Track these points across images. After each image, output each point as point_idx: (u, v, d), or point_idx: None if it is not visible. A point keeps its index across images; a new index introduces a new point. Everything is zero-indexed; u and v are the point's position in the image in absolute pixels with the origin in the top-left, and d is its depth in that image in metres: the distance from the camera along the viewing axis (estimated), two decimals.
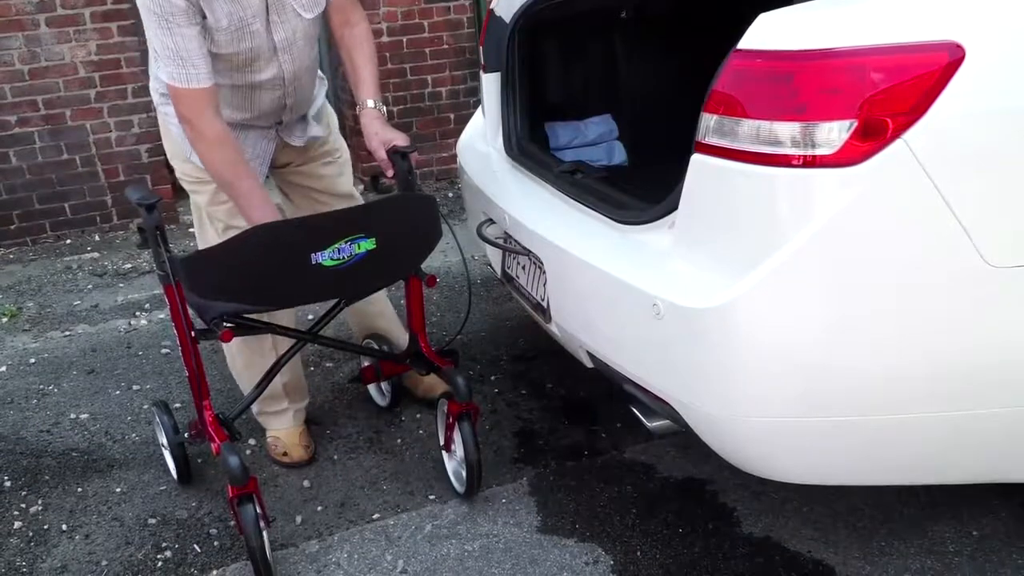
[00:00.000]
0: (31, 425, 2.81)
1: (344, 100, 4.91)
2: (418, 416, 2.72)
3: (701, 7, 2.75)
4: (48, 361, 3.24)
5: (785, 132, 1.50)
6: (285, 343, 2.35)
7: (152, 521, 2.32)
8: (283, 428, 2.55)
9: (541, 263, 2.18)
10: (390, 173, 2.18)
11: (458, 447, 2.26)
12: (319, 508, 2.33)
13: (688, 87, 2.24)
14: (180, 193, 4.78)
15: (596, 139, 2.87)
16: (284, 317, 2.35)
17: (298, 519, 2.29)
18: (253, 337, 2.39)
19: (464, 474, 2.26)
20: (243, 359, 2.48)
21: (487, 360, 3.04)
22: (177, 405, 2.88)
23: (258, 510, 1.99)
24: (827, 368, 1.60)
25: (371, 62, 2.28)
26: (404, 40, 4.89)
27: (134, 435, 2.72)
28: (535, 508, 2.27)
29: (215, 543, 2.22)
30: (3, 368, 3.20)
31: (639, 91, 2.91)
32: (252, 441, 2.63)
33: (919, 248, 1.52)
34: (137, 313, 3.62)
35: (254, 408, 2.55)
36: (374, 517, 2.28)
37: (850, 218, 1.50)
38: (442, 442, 2.35)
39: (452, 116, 5.11)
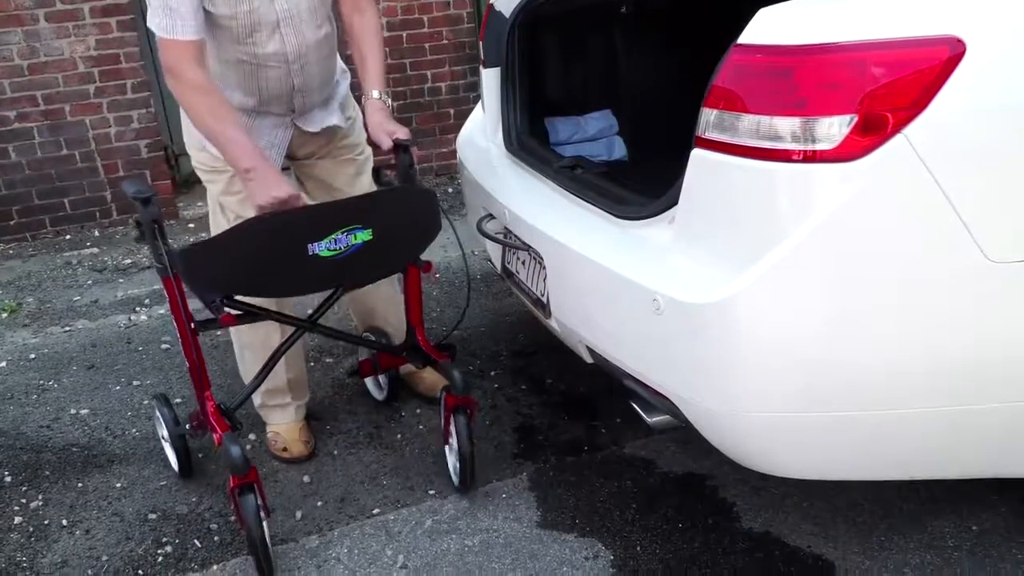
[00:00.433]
0: (31, 420, 2.81)
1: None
2: (418, 412, 2.72)
3: (701, 2, 2.74)
4: (48, 356, 3.24)
5: (785, 127, 1.50)
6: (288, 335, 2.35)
7: (152, 516, 2.32)
8: (284, 423, 2.55)
9: (541, 258, 2.18)
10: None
11: (454, 440, 2.26)
12: (319, 503, 2.33)
13: (688, 82, 2.24)
14: (180, 188, 4.80)
15: (596, 134, 2.87)
16: (284, 307, 2.36)
17: (298, 514, 2.29)
18: (263, 334, 2.39)
19: (459, 467, 2.27)
20: (251, 354, 2.47)
21: (487, 355, 3.04)
22: (178, 400, 2.88)
23: (259, 501, 1.99)
24: (827, 363, 1.60)
25: (379, 52, 2.28)
26: (404, 35, 4.88)
27: (134, 430, 2.72)
28: (535, 503, 2.28)
29: (215, 538, 2.22)
30: (3, 363, 3.20)
31: (639, 86, 2.91)
32: (252, 436, 2.63)
33: (919, 243, 1.52)
34: (137, 308, 3.61)
35: (256, 400, 2.56)
36: (374, 512, 2.28)
37: (850, 213, 1.50)
38: (444, 436, 2.36)
39: (452, 111, 5.10)
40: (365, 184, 2.52)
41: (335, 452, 2.55)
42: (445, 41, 4.97)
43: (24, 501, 2.41)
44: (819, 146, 1.48)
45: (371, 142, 2.29)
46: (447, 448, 2.36)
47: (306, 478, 2.44)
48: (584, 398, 2.74)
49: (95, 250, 4.32)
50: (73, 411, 2.86)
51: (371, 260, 2.05)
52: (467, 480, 2.27)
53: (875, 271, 1.53)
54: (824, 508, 2.17)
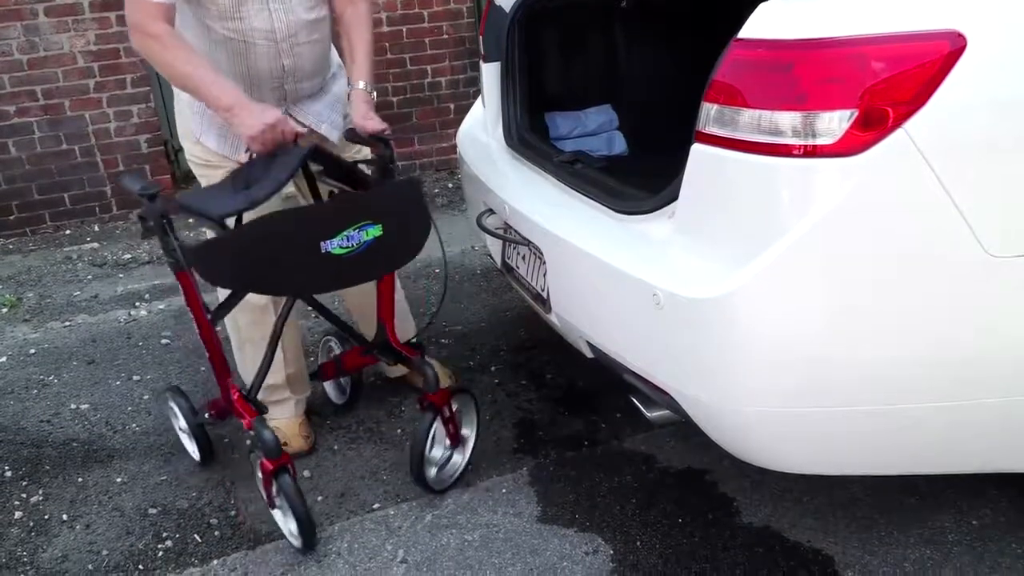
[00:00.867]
0: (31, 415, 2.82)
1: None
2: (418, 407, 2.72)
3: None
4: (48, 351, 3.24)
5: (786, 122, 1.49)
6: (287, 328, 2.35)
7: (153, 511, 2.32)
8: (284, 418, 2.55)
9: (541, 253, 2.18)
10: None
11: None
12: (319, 498, 2.33)
13: (688, 77, 2.23)
14: (179, 184, 4.80)
15: (596, 129, 2.86)
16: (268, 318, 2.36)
17: None
18: (263, 329, 2.39)
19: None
20: (252, 347, 2.47)
21: (487, 350, 3.04)
22: None
23: (295, 480, 2.05)
24: (827, 358, 1.59)
25: (368, 43, 2.28)
26: (404, 30, 4.87)
27: (134, 425, 2.72)
28: (535, 498, 2.28)
29: (215, 533, 2.23)
30: (3, 358, 3.20)
31: (639, 81, 2.90)
32: (252, 433, 2.63)
33: (920, 238, 1.52)
34: (137, 303, 3.61)
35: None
36: (374, 507, 2.28)
37: (851, 208, 1.50)
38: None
39: (452, 106, 5.10)
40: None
41: (335, 447, 2.55)
42: (445, 36, 4.96)
43: (24, 496, 2.41)
44: (819, 141, 1.47)
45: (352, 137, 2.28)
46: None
47: (306, 473, 2.44)
48: (584, 393, 2.74)
49: (95, 245, 4.31)
50: (73, 406, 2.86)
51: (383, 256, 2.05)
52: (416, 475, 2.25)
53: (875, 266, 1.53)
54: (824, 503, 2.18)
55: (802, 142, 1.49)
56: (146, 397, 2.88)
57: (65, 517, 2.31)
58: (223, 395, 2.20)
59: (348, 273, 2.03)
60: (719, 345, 1.64)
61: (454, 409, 2.26)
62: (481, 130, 2.76)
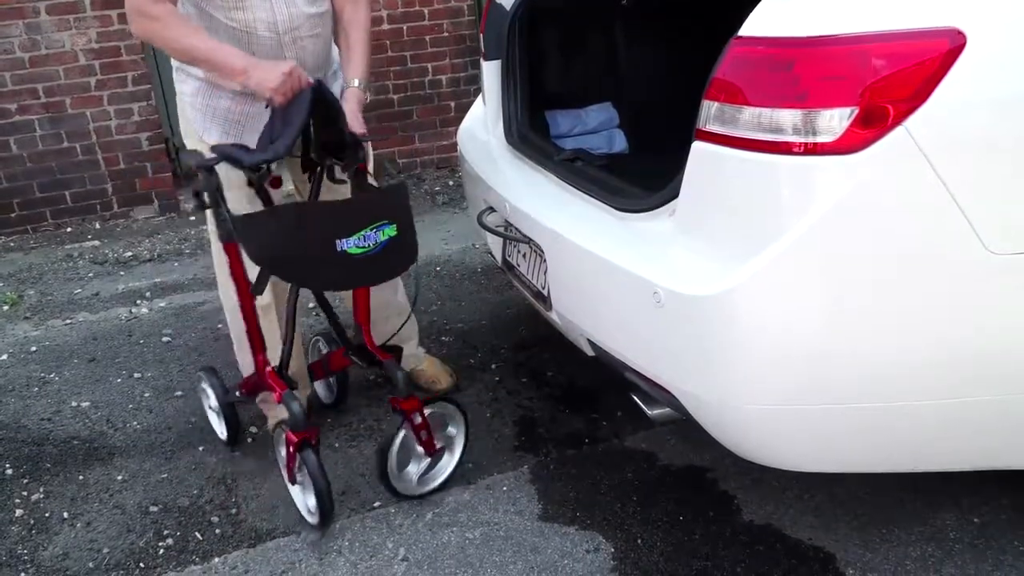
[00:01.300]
0: (32, 413, 2.82)
1: None
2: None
3: None
4: (49, 349, 3.24)
5: (786, 119, 1.49)
6: (282, 317, 2.37)
7: (154, 509, 2.32)
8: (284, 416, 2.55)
9: (542, 251, 2.18)
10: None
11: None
12: None
13: (689, 74, 2.23)
14: (181, 182, 4.79)
15: (597, 127, 2.86)
16: (279, 296, 2.36)
17: None
18: (263, 318, 2.39)
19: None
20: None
21: (488, 348, 3.04)
22: (178, 393, 2.88)
23: (318, 455, 2.11)
24: (827, 356, 1.59)
25: (365, 43, 2.29)
26: (404, 28, 4.87)
27: (135, 423, 2.73)
28: (536, 496, 2.28)
29: (216, 531, 2.23)
30: (4, 356, 3.20)
31: (640, 79, 2.90)
32: (253, 429, 2.63)
33: (920, 236, 1.52)
34: (138, 301, 3.62)
35: (258, 398, 2.56)
36: (375, 505, 2.28)
37: (851, 205, 1.50)
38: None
39: (452, 104, 5.09)
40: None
41: (336, 445, 2.55)
42: (446, 34, 4.96)
43: (25, 494, 2.41)
44: (820, 139, 1.47)
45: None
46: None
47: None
48: (585, 391, 2.74)
49: (96, 243, 4.32)
50: (74, 404, 2.86)
51: (397, 256, 2.07)
52: (383, 484, 2.24)
53: (875, 264, 1.53)
54: (825, 500, 2.18)
55: (803, 140, 1.48)
56: (147, 395, 2.88)
57: (66, 515, 2.32)
58: (257, 368, 2.28)
59: (364, 272, 2.04)
60: (719, 343, 1.64)
61: (426, 415, 2.22)
62: (482, 128, 2.76)
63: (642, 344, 1.86)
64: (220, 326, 3.31)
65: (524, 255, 2.37)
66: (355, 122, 2.16)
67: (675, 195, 1.75)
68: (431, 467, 2.31)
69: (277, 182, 2.08)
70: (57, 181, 4.45)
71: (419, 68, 4.98)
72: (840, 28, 1.47)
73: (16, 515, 2.32)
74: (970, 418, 1.67)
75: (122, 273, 3.94)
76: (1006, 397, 1.65)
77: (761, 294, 1.57)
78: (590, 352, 2.14)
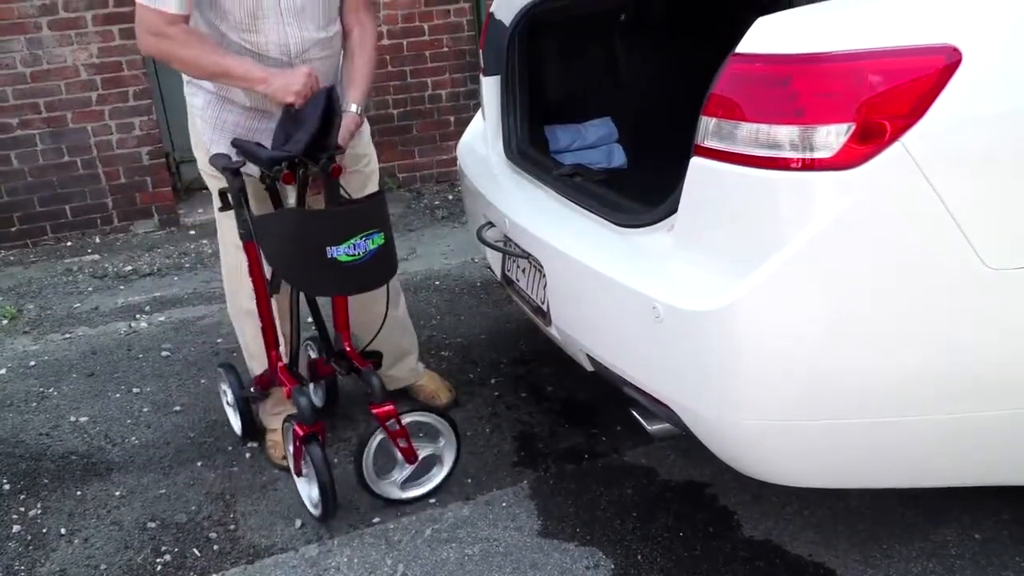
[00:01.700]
0: (30, 428, 2.81)
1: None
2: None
3: (699, 11, 2.75)
4: (48, 364, 3.24)
5: (784, 135, 1.49)
6: (286, 316, 2.40)
7: (151, 525, 2.32)
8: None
9: (541, 266, 2.18)
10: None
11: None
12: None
13: (687, 90, 2.24)
14: (181, 196, 4.81)
15: (596, 142, 2.87)
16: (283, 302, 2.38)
17: (297, 523, 2.29)
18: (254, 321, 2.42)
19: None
20: (258, 345, 2.47)
21: (487, 363, 3.04)
22: (177, 408, 2.88)
23: (323, 449, 2.20)
24: (826, 371, 1.59)
25: (369, 68, 2.32)
26: (404, 43, 4.89)
27: (133, 438, 2.72)
28: (535, 512, 2.27)
29: (214, 547, 2.22)
30: (3, 371, 3.20)
31: (638, 94, 2.91)
32: (253, 444, 2.63)
33: (918, 251, 1.52)
34: (137, 316, 3.62)
35: (260, 407, 2.59)
36: (374, 521, 2.27)
37: (849, 220, 1.50)
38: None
39: (452, 118, 5.11)
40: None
41: (335, 460, 2.54)
42: (445, 49, 4.98)
43: (23, 509, 2.40)
44: (817, 154, 1.48)
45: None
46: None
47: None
48: (584, 406, 2.74)
49: (96, 257, 4.32)
50: (72, 419, 2.85)
51: (384, 264, 2.10)
52: (361, 486, 2.26)
53: (874, 278, 1.53)
54: (825, 516, 2.17)
55: (800, 155, 1.49)
56: (145, 410, 2.88)
57: (63, 531, 2.31)
58: (270, 365, 2.37)
59: (354, 280, 2.08)
60: (718, 358, 1.64)
61: (404, 423, 2.23)
62: (481, 143, 2.77)
63: (641, 359, 1.86)
64: (219, 340, 3.31)
65: (523, 270, 2.37)
66: (343, 142, 2.19)
67: (674, 210, 1.76)
68: (417, 474, 2.32)
69: (290, 177, 2.10)
70: (57, 195, 4.46)
71: (419, 83, 5.00)
72: (836, 45, 1.47)
73: (13, 531, 2.31)
74: (970, 433, 1.67)
75: (122, 287, 3.94)
76: (1008, 412, 1.64)
77: (759, 310, 1.57)
78: (589, 367, 2.14)
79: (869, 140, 1.46)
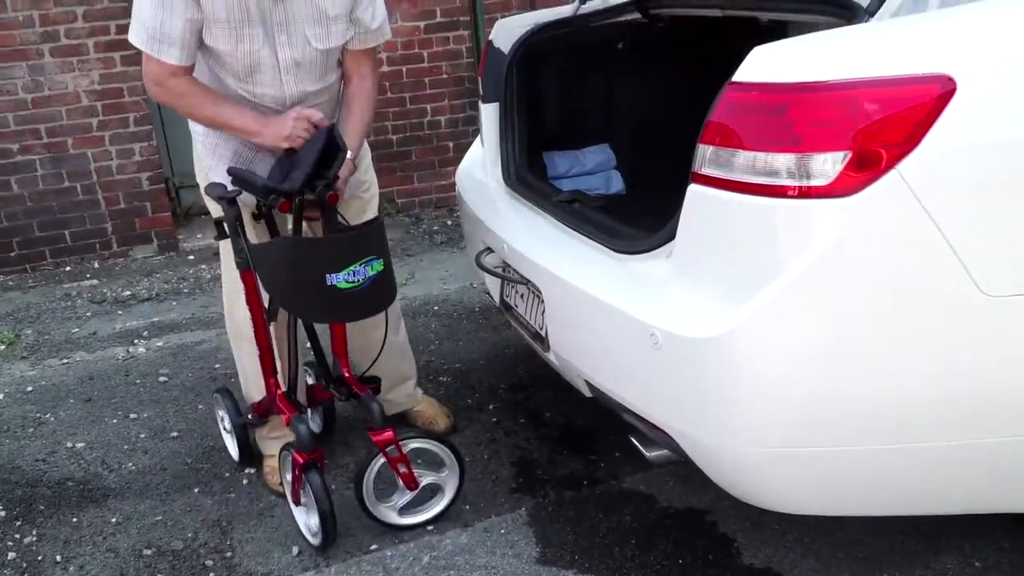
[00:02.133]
0: (27, 454, 2.80)
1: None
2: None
3: (696, 39, 2.77)
4: (45, 389, 3.23)
5: (780, 163, 1.51)
6: (284, 343, 2.40)
7: (147, 552, 2.30)
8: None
9: (539, 292, 2.18)
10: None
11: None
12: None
13: (684, 118, 2.26)
14: (180, 221, 4.82)
15: (594, 168, 2.88)
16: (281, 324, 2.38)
17: (295, 550, 2.27)
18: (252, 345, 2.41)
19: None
20: (256, 371, 2.46)
21: (485, 388, 3.03)
22: (174, 434, 2.86)
23: (322, 477, 2.18)
24: (825, 397, 1.59)
25: (366, 115, 2.35)
26: (404, 69, 4.93)
27: (130, 464, 2.71)
28: (534, 539, 2.26)
29: (211, 574, 2.20)
30: (0, 396, 3.19)
31: (636, 121, 2.93)
32: (251, 470, 2.62)
33: (915, 278, 1.52)
34: (135, 341, 3.61)
35: (257, 432, 2.58)
36: (371, 548, 2.26)
37: (846, 248, 1.51)
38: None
39: (451, 144, 5.13)
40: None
41: (332, 487, 2.52)
42: (444, 75, 5.02)
43: (18, 536, 2.39)
44: (814, 182, 1.49)
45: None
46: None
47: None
48: (583, 432, 2.73)
49: (94, 282, 4.32)
50: (69, 444, 2.84)
51: (383, 291, 2.11)
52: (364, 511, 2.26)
53: (872, 306, 1.53)
54: (825, 544, 2.16)
55: (797, 183, 1.50)
56: (143, 435, 2.86)
57: (59, 558, 2.29)
58: (268, 392, 2.36)
59: (353, 307, 2.08)
60: (717, 385, 1.64)
61: (403, 450, 2.23)
62: (480, 169, 2.78)
63: (640, 385, 1.86)
64: (217, 366, 3.30)
65: (522, 296, 2.38)
66: (340, 185, 2.21)
67: (672, 237, 1.76)
68: (417, 501, 2.30)
69: (286, 206, 2.12)
70: (57, 220, 4.47)
71: (418, 109, 5.03)
72: (832, 74, 1.49)
73: (8, 558, 2.29)
74: (970, 460, 1.66)
75: (120, 312, 3.94)
76: (1007, 439, 1.64)
77: (758, 336, 1.57)
78: (588, 393, 2.14)
79: (865, 168, 1.47)
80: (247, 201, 2.21)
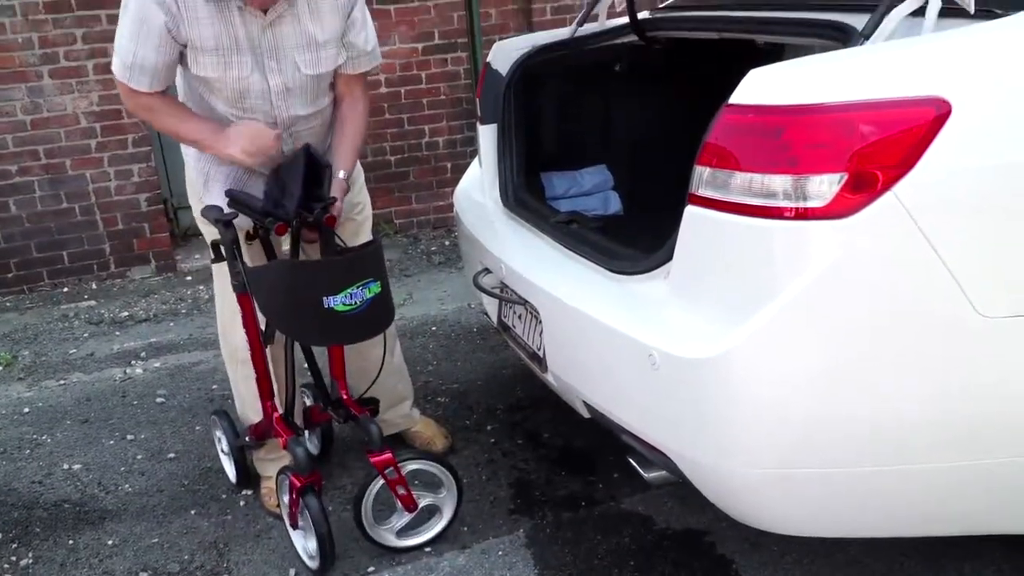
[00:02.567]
0: (23, 476, 2.79)
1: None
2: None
3: (693, 61, 2.79)
4: (42, 410, 3.22)
5: (777, 184, 1.52)
6: (281, 365, 2.40)
7: (144, 574, 2.28)
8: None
9: (537, 313, 2.19)
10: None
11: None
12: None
13: (681, 139, 2.27)
14: (178, 242, 4.82)
15: (592, 189, 2.90)
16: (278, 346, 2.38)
17: (292, 572, 2.26)
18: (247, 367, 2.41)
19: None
20: (252, 393, 2.46)
21: (483, 409, 3.03)
22: (171, 455, 2.85)
23: (320, 499, 2.17)
24: (822, 419, 1.59)
25: (358, 137, 2.35)
26: (402, 90, 4.95)
27: (127, 486, 2.69)
28: (532, 561, 2.25)
29: None
30: None
31: (634, 142, 2.95)
32: (248, 492, 2.61)
33: (912, 299, 1.53)
34: (132, 362, 3.60)
35: (254, 453, 2.57)
36: (369, 570, 2.25)
37: (843, 269, 1.51)
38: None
39: (449, 165, 5.15)
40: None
41: (329, 508, 2.51)
42: (443, 96, 5.05)
43: (14, 559, 2.37)
44: (811, 203, 1.50)
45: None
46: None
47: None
48: (581, 453, 2.72)
49: (92, 303, 4.32)
50: (66, 466, 2.83)
51: (381, 313, 2.10)
52: (362, 534, 2.25)
53: (869, 327, 1.54)
54: (824, 565, 2.15)
55: (793, 204, 1.51)
56: (140, 457, 2.85)
57: None
58: (265, 415, 2.36)
59: (351, 329, 2.08)
60: (715, 405, 1.64)
61: (402, 472, 2.22)
62: (478, 190, 2.79)
63: (637, 406, 1.86)
64: (215, 387, 3.30)
65: (520, 316, 2.38)
66: (338, 206, 2.21)
67: (669, 258, 1.77)
68: (415, 522, 2.30)
69: (283, 228, 2.14)
70: (55, 241, 4.47)
71: (416, 130, 5.06)
72: (828, 96, 1.50)
73: None
74: (968, 482, 1.66)
75: (117, 333, 3.93)
76: (1004, 461, 1.64)
77: (755, 357, 1.57)
78: (586, 414, 2.14)
79: (862, 189, 1.48)
80: (241, 224, 2.22)
